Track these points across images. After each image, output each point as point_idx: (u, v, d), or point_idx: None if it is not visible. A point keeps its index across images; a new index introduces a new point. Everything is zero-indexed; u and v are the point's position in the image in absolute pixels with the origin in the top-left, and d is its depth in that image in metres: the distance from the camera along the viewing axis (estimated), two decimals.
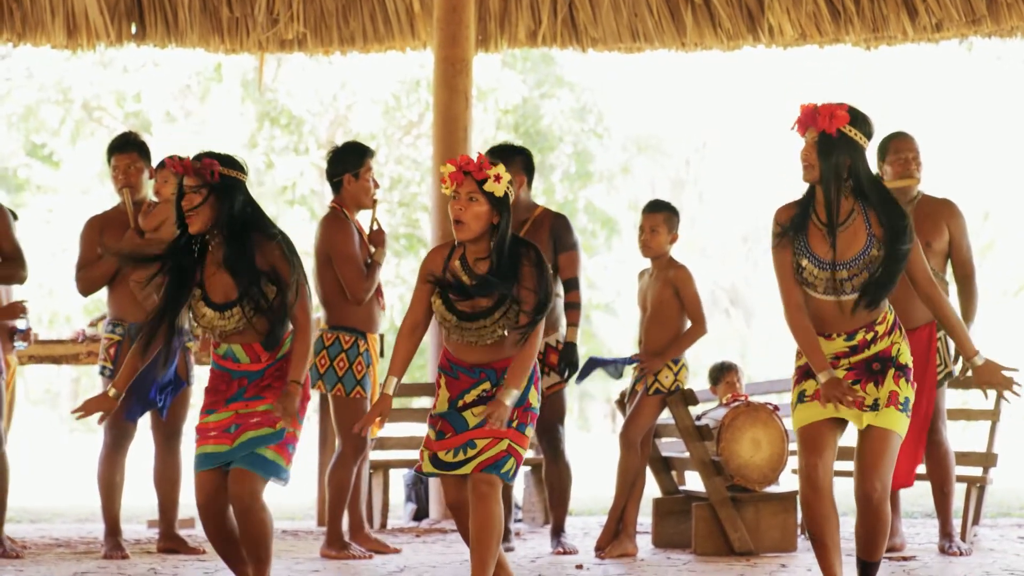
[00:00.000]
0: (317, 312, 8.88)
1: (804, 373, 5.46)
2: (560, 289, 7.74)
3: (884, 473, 5.35)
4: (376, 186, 7.71)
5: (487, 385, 5.53)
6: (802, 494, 5.41)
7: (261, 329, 5.58)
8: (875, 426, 5.34)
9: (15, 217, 7.94)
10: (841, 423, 5.44)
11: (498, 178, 5.49)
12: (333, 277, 7.56)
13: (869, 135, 5.38)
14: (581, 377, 7.85)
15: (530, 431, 5.58)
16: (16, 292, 8.32)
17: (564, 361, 7.70)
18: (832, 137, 5.31)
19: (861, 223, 5.38)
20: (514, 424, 5.52)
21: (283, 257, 5.58)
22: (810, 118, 5.35)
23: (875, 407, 5.34)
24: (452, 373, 5.60)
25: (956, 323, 5.47)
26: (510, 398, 5.47)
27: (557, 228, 7.75)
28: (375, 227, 7.71)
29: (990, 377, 5.44)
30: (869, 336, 5.38)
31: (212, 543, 5.71)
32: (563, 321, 7.77)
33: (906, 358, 5.42)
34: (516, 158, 7.77)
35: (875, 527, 5.40)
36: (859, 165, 5.34)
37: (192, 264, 5.64)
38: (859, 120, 5.36)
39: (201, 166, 5.56)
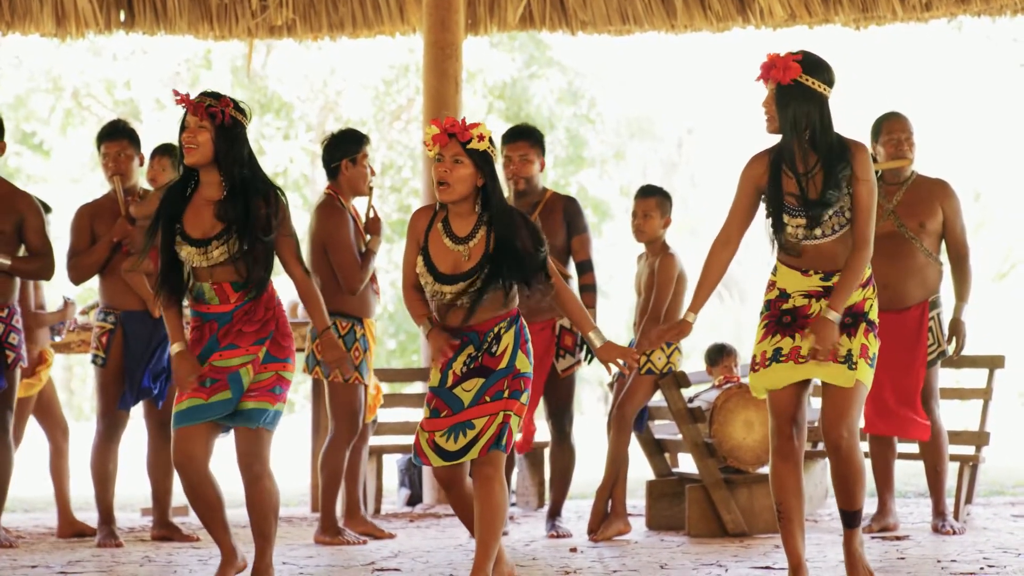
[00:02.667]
0: None
1: (777, 320, 5.48)
2: (573, 271, 7.80)
3: (851, 422, 5.44)
4: (372, 173, 7.72)
5: (471, 350, 5.53)
6: (773, 466, 5.46)
7: (240, 272, 5.62)
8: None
9: (48, 210, 8.02)
10: (806, 380, 5.48)
11: (481, 137, 5.51)
12: (328, 264, 7.55)
13: (829, 82, 5.47)
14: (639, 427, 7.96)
15: (525, 397, 5.55)
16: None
17: (585, 344, 7.77)
18: (789, 88, 5.40)
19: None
20: (506, 394, 5.51)
21: (278, 208, 5.66)
22: (767, 70, 5.45)
23: (849, 359, 5.39)
24: None
25: (849, 274, 5.41)
26: (602, 338, 5.62)
27: (570, 211, 7.80)
28: (371, 215, 7.71)
29: (827, 336, 5.37)
30: None
31: (191, 504, 5.72)
32: None
33: (874, 314, 5.49)
34: (538, 140, 7.83)
35: (848, 474, 5.46)
36: (815, 114, 5.42)
37: (183, 205, 5.69)
38: (815, 68, 5.45)
39: (214, 106, 5.61)
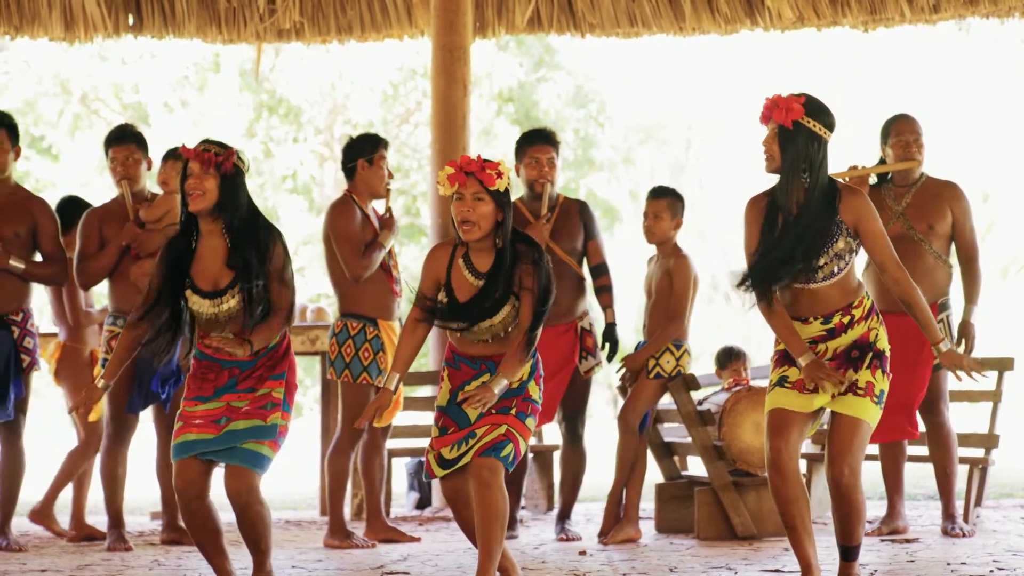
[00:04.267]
0: (319, 303, 8.86)
1: (784, 357, 5.50)
2: (586, 273, 7.86)
3: (853, 459, 5.42)
4: (390, 176, 7.78)
5: (487, 377, 5.53)
6: (769, 479, 5.47)
7: (245, 320, 5.57)
8: (847, 414, 5.41)
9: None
10: (814, 414, 5.47)
11: (500, 175, 5.50)
12: (338, 261, 7.63)
13: (830, 126, 5.46)
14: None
15: (531, 423, 5.57)
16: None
17: (607, 341, 7.84)
18: (791, 129, 5.40)
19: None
20: (513, 412, 5.52)
21: (282, 252, 5.62)
22: (769, 110, 5.45)
23: (855, 386, 5.41)
24: (455, 365, 5.60)
25: (921, 310, 5.49)
26: (499, 387, 5.48)
27: (586, 215, 7.92)
28: (387, 216, 7.78)
29: (956, 361, 5.51)
30: (846, 320, 5.44)
31: (189, 531, 5.66)
32: (586, 302, 7.85)
33: (883, 344, 5.49)
34: (558, 145, 7.88)
35: (847, 511, 5.47)
36: (814, 157, 5.41)
37: (187, 256, 5.64)
38: (817, 111, 5.44)
39: (221, 157, 5.57)
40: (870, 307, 5.49)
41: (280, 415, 5.60)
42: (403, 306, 7.82)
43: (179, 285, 5.60)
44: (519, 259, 5.53)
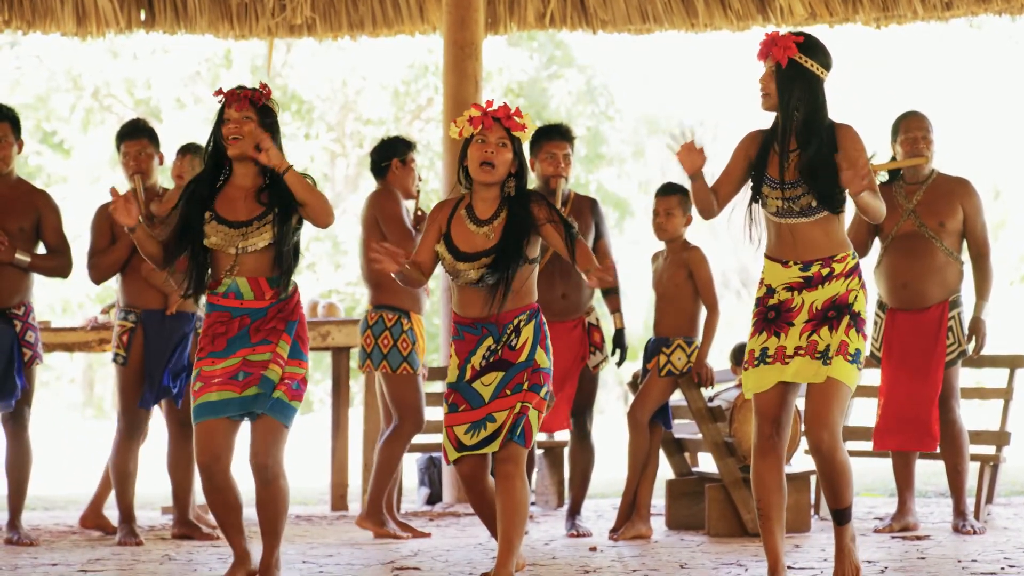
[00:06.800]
0: (330, 299, 8.87)
1: (764, 317, 5.50)
2: None
3: (831, 423, 5.42)
4: (420, 178, 7.84)
5: (490, 342, 5.54)
6: (754, 465, 5.50)
7: (275, 263, 5.61)
8: (819, 382, 5.41)
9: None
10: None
11: (524, 126, 5.57)
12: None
13: (826, 65, 5.52)
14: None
15: (544, 392, 5.56)
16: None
17: (617, 347, 7.86)
18: (787, 67, 5.49)
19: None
20: (526, 386, 5.51)
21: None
22: (766, 47, 5.53)
23: (825, 354, 5.38)
24: (459, 335, 5.63)
25: (872, 200, 5.45)
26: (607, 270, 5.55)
27: (596, 213, 7.91)
28: (419, 214, 7.84)
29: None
30: (825, 271, 5.46)
31: (210, 506, 5.67)
32: (592, 298, 7.86)
33: (861, 307, 5.47)
34: (574, 141, 7.90)
35: (832, 474, 5.49)
36: (808, 96, 5.48)
37: (211, 194, 5.68)
38: (813, 50, 5.52)
39: (260, 94, 5.65)
40: (853, 266, 5.49)
41: (298, 364, 5.64)
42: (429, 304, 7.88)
43: (201, 223, 5.65)
44: (529, 204, 5.60)
